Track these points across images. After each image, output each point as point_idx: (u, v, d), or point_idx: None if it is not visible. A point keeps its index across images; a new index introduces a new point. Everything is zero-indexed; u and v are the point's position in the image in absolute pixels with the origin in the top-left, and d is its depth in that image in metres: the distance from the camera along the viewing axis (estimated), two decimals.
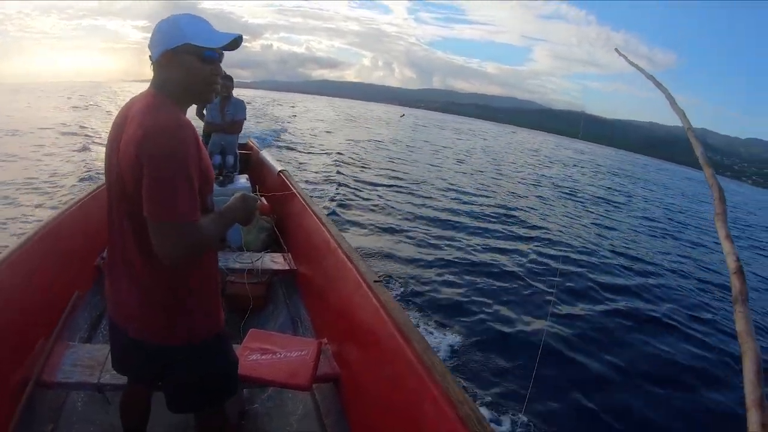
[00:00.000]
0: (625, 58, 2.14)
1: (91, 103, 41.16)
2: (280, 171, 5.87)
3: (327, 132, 31.73)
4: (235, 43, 1.69)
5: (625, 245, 12.19)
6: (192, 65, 1.61)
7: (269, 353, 2.76)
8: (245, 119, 6.30)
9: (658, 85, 1.71)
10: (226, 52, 1.70)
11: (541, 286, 7.89)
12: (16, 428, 2.25)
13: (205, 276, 1.79)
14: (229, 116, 6.09)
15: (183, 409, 1.92)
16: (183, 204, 1.48)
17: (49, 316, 2.98)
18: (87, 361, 2.66)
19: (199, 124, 5.73)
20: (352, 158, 19.54)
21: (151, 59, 1.65)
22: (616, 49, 2.10)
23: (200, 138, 1.67)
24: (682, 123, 1.49)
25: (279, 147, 19.26)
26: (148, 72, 1.67)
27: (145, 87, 1.71)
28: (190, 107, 1.78)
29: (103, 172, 1.81)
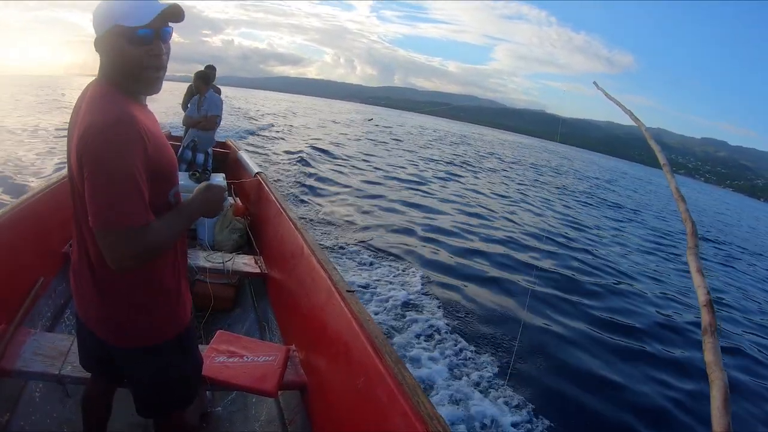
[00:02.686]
0: (604, 92, 2.17)
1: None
2: (257, 173, 5.76)
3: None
4: (169, 13, 1.51)
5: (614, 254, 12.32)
6: (120, 47, 1.48)
7: (236, 356, 2.74)
8: (219, 116, 6.17)
9: (636, 119, 1.73)
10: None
11: (517, 280, 8.03)
12: None
13: (169, 274, 1.71)
14: (202, 111, 6.01)
15: (148, 413, 1.88)
16: (127, 209, 1.38)
17: (11, 301, 2.89)
18: (49, 350, 2.59)
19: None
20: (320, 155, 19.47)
21: (94, 45, 1.55)
22: (594, 83, 2.14)
23: (160, 131, 1.62)
24: (659, 158, 1.50)
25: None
26: None
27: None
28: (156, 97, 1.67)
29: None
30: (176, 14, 1.53)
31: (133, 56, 1.48)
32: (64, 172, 4.30)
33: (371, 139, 31.33)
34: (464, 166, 27.33)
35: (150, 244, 1.42)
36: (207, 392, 2.86)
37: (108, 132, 1.37)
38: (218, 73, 6.79)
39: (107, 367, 1.90)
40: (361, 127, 37.61)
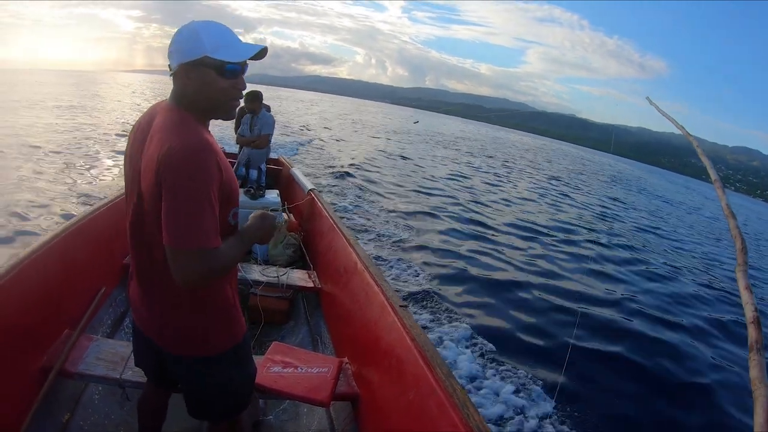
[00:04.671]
0: (656, 107, 2.13)
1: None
2: (310, 189, 5.85)
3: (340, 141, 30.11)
4: (260, 54, 1.60)
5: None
6: (211, 79, 1.53)
7: (290, 367, 2.79)
8: (271, 134, 6.32)
9: (688, 135, 1.69)
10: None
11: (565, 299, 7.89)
12: (35, 414, 2.30)
13: (224, 289, 1.75)
14: (256, 131, 6.15)
15: (200, 416, 1.92)
16: (202, 231, 1.43)
17: (76, 310, 3.01)
18: (110, 356, 2.69)
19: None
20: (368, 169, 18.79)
21: (170, 68, 1.58)
22: (648, 98, 2.08)
23: (223, 152, 1.62)
24: (710, 174, 1.47)
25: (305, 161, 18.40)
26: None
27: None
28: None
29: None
30: (263, 55, 1.61)
31: (221, 87, 1.54)
32: (121, 184, 4.44)
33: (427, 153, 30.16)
34: (508, 174, 26.80)
35: (217, 265, 1.47)
36: (260, 401, 2.91)
37: (191, 157, 1.42)
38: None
39: (161, 374, 1.95)
40: (407, 137, 37.24)
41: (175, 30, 1.58)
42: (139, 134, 1.62)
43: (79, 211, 7.25)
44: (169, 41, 1.57)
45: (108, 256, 3.68)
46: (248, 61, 1.60)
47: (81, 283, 3.17)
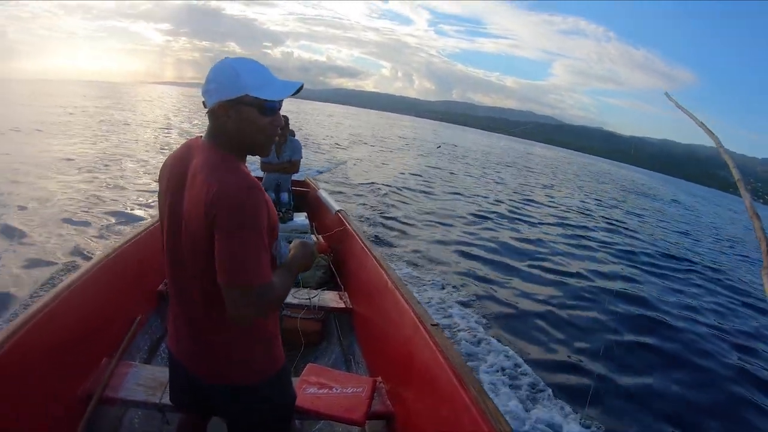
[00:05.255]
0: (675, 103, 2.10)
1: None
2: (337, 210, 5.87)
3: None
4: (296, 91, 1.61)
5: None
6: (251, 117, 1.53)
7: (326, 388, 2.86)
8: (301, 158, 6.33)
9: (709, 133, 1.66)
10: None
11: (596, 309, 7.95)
12: None
13: (270, 320, 1.77)
14: (286, 157, 6.14)
15: None
16: (258, 267, 1.44)
17: (114, 337, 3.08)
18: (149, 381, 2.76)
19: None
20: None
21: (205, 105, 1.58)
22: (666, 93, 2.06)
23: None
24: (733, 174, 1.43)
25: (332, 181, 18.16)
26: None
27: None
28: None
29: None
30: (299, 92, 1.62)
31: (261, 125, 1.54)
32: (153, 214, 4.52)
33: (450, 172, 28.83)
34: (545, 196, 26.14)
35: (271, 300, 1.49)
36: (296, 421, 2.94)
37: (244, 198, 1.44)
38: None
39: (199, 402, 1.95)
40: (434, 158, 36.28)
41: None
42: (176, 171, 1.63)
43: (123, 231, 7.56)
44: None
45: (143, 284, 3.75)
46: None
47: (118, 311, 3.25)
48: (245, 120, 1.52)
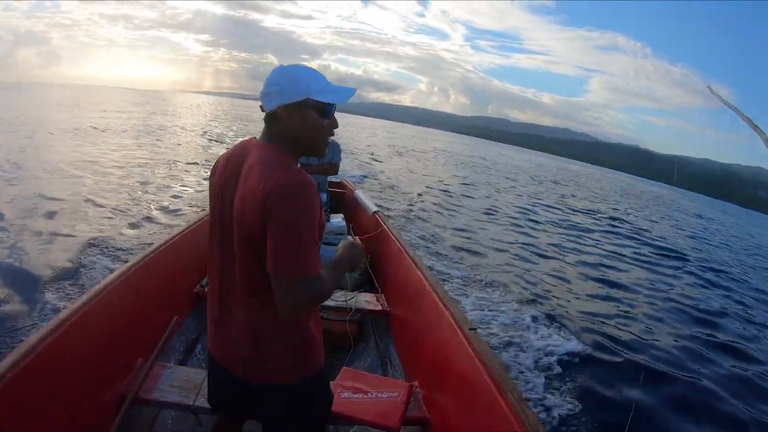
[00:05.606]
0: (719, 97, 2.10)
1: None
2: (374, 212, 5.84)
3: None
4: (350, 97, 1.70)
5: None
6: (312, 119, 1.61)
7: (361, 392, 2.81)
8: (341, 160, 6.28)
9: (755, 127, 1.68)
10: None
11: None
12: None
13: (313, 318, 1.80)
14: (326, 158, 6.06)
15: None
16: (308, 259, 1.48)
17: (149, 338, 3.09)
18: (183, 383, 2.76)
19: None
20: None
21: (262, 109, 1.64)
22: (708, 87, 2.05)
23: None
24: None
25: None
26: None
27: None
28: None
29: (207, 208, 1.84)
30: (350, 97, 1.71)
31: (320, 126, 1.64)
32: (193, 217, 4.51)
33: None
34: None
35: (319, 293, 1.53)
36: (330, 426, 2.89)
37: (299, 192, 1.49)
38: None
39: (238, 404, 1.97)
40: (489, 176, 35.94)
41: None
42: (229, 170, 1.68)
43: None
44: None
45: (180, 286, 3.78)
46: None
47: (154, 312, 3.28)
48: (307, 122, 1.61)
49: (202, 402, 2.55)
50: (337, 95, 1.65)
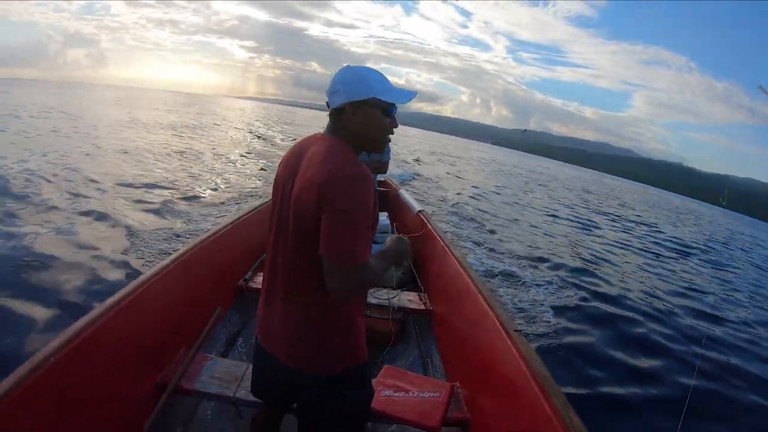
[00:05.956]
0: None
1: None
2: (419, 211, 5.75)
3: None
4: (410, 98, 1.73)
5: None
6: (375, 117, 1.65)
7: (402, 390, 2.78)
8: (390, 159, 6.10)
9: None
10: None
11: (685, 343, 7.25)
12: (151, 426, 2.38)
13: (358, 310, 1.82)
14: (376, 157, 5.91)
15: None
16: (360, 246, 1.51)
17: (192, 329, 3.12)
18: (224, 374, 2.75)
19: None
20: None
21: (328, 106, 1.69)
22: (760, 87, 1.90)
23: None
24: None
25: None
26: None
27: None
28: None
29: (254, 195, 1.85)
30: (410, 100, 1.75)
31: (383, 125, 1.69)
32: (237, 213, 4.58)
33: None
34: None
35: (365, 280, 1.59)
36: (369, 423, 2.84)
37: (355, 180, 1.53)
38: None
39: (280, 394, 1.98)
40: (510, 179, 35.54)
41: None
42: (292, 160, 1.74)
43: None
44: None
45: (224, 279, 3.79)
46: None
47: (198, 303, 3.27)
48: (370, 119, 1.66)
49: (243, 394, 2.58)
50: (400, 96, 1.69)
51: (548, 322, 6.39)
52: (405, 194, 7.06)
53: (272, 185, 1.88)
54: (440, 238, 4.68)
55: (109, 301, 2.37)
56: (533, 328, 6.01)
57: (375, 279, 1.68)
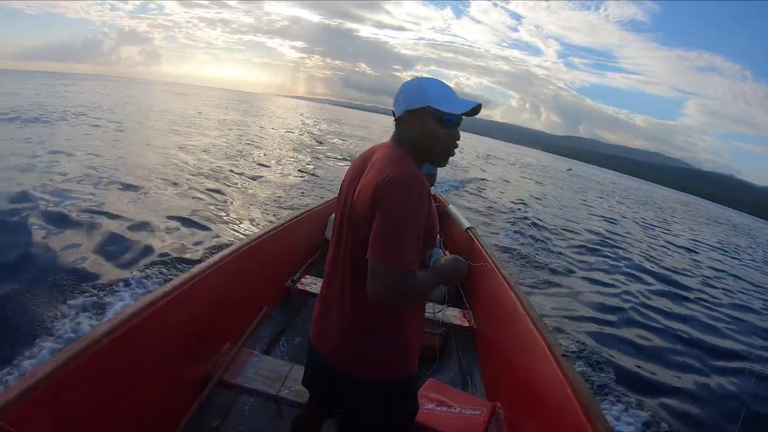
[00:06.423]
0: None
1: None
2: (467, 228, 5.67)
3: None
4: (475, 110, 1.69)
5: None
6: (431, 127, 1.64)
7: (444, 405, 2.78)
8: (437, 173, 5.86)
9: None
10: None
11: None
12: (191, 417, 2.45)
13: (414, 321, 1.79)
14: (425, 170, 5.36)
15: None
16: (404, 251, 1.48)
17: (238, 325, 3.21)
18: (268, 372, 2.82)
19: None
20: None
21: (393, 115, 1.72)
22: None
23: None
24: None
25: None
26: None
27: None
28: None
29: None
30: (478, 111, 1.70)
31: (439, 135, 1.66)
32: (291, 213, 4.77)
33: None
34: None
35: (410, 288, 1.51)
36: None
37: (408, 185, 1.52)
38: None
39: (326, 396, 1.99)
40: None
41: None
42: (358, 164, 1.77)
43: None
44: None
45: (272, 278, 3.87)
46: (463, 116, 1.70)
47: (246, 300, 3.34)
48: (425, 129, 1.65)
49: (286, 394, 2.63)
50: (456, 106, 1.65)
51: (602, 346, 6.14)
52: (454, 209, 6.89)
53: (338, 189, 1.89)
54: (488, 256, 4.56)
55: (161, 290, 2.42)
56: (586, 352, 5.75)
57: (421, 291, 1.61)
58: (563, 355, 2.53)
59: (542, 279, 8.92)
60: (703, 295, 11.11)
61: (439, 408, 2.75)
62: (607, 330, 7.04)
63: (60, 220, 6.75)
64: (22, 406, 1.53)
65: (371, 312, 1.66)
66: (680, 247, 19.57)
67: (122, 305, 4.55)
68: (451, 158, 1.78)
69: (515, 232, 12.63)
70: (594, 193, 39.85)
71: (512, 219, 14.76)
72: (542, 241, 12.35)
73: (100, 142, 14.82)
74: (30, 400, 1.57)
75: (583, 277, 9.99)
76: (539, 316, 3.08)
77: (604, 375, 5.29)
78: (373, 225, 1.52)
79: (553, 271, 9.65)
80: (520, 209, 17.42)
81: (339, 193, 1.85)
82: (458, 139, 1.72)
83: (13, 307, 4.26)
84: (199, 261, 3.99)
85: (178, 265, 5.84)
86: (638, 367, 5.97)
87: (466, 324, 4.01)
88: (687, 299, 10.36)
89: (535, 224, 14.44)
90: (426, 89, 1.64)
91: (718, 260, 18.96)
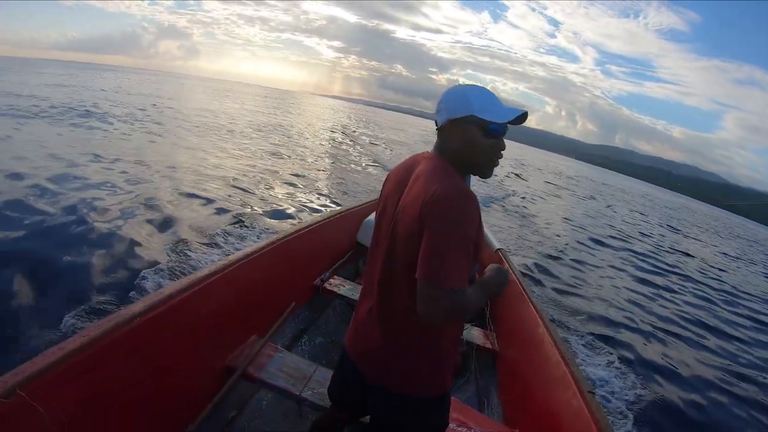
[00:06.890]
0: None
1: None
2: (498, 249, 5.56)
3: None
4: (520, 119, 1.61)
5: None
6: (474, 136, 1.56)
7: (464, 426, 2.70)
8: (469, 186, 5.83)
9: None
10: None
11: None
12: (212, 406, 2.43)
13: (453, 337, 1.72)
14: None
15: None
16: (455, 270, 1.42)
17: (265, 319, 3.20)
18: (292, 370, 2.76)
19: None
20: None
21: (436, 124, 1.65)
22: None
23: None
24: None
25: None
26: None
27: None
28: None
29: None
30: (523, 120, 1.62)
31: (482, 145, 1.57)
32: (325, 213, 4.79)
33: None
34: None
35: (460, 307, 1.44)
36: None
37: (459, 202, 1.45)
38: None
39: (352, 405, 1.96)
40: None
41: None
42: (400, 175, 1.71)
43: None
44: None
45: (302, 275, 3.85)
46: (508, 125, 1.61)
47: (274, 295, 3.34)
48: (468, 138, 1.57)
49: (309, 395, 2.58)
50: (502, 115, 1.57)
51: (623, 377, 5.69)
52: (485, 230, 6.46)
53: (379, 197, 1.85)
54: (517, 279, 4.41)
55: (194, 276, 2.45)
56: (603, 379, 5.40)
57: (470, 308, 1.51)
58: (589, 392, 2.47)
59: (575, 306, 8.25)
60: None
61: (459, 428, 2.67)
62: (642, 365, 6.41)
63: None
64: (46, 380, 1.53)
65: (410, 326, 1.62)
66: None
67: (155, 284, 4.78)
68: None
69: (547, 255, 11.65)
70: (655, 219, 36.97)
71: (546, 239, 13.93)
72: (577, 262, 11.87)
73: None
74: (55, 374, 1.57)
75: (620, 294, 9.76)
76: (567, 348, 3.03)
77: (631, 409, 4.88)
78: (422, 243, 1.46)
79: (587, 299, 8.96)
80: (555, 226, 16.86)
81: (379, 203, 1.81)
82: (503, 149, 1.64)
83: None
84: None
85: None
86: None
87: (488, 345, 3.89)
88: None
89: (573, 247, 13.82)
90: (469, 97, 1.57)
91: None
